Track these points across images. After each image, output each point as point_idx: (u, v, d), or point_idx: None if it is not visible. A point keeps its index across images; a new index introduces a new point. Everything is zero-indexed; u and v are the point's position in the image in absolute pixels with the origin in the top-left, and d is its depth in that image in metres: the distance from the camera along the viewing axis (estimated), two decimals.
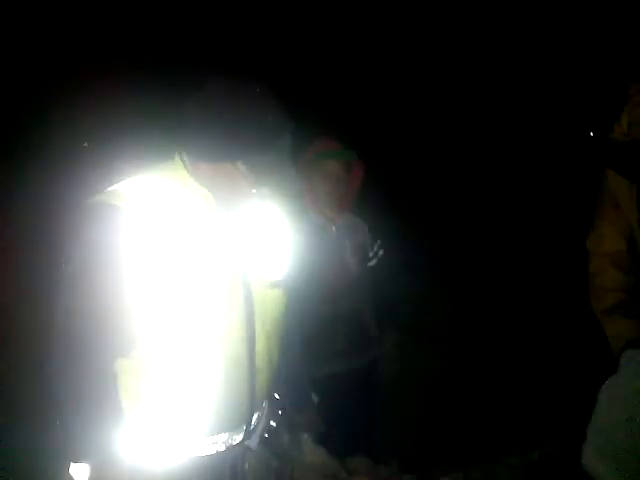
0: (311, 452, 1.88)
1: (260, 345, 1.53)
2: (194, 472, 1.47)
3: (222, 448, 1.50)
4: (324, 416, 1.92)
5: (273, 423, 1.71)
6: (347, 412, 2.32)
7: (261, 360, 1.53)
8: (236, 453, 1.55)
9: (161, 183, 1.48)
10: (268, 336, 1.55)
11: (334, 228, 2.43)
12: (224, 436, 1.50)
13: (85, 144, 4.36)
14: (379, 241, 2.52)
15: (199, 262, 1.46)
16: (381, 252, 2.49)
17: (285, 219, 1.69)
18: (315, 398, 1.86)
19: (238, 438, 1.53)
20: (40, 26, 4.63)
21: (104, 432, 1.38)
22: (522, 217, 4.43)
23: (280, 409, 1.73)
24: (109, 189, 1.46)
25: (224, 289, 1.48)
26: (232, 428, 1.51)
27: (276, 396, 1.73)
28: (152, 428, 1.46)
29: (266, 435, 1.68)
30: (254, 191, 1.48)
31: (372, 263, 2.47)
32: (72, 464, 1.39)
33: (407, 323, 2.86)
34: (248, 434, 1.55)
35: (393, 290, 2.54)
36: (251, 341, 1.51)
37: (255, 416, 1.56)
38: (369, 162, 2.44)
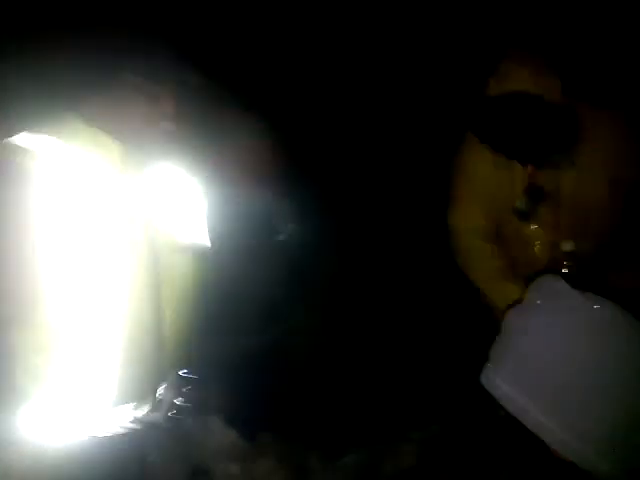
0: (219, 434, 1.81)
1: (168, 312, 1.46)
2: (100, 449, 1.37)
3: (128, 420, 1.41)
4: (233, 395, 1.88)
5: (178, 402, 1.65)
6: (257, 390, 2.27)
7: (169, 328, 1.46)
8: (143, 428, 1.46)
9: (60, 144, 1.37)
10: (176, 303, 1.49)
11: (248, 199, 2.35)
12: (130, 407, 1.41)
13: None
14: (294, 214, 2.50)
15: (101, 225, 1.37)
16: (295, 225, 2.47)
17: (198, 185, 1.65)
18: (224, 375, 1.81)
19: (145, 410, 1.44)
20: None
21: (3, 412, 1.26)
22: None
23: (187, 386, 1.66)
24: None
25: (128, 253, 1.40)
26: (138, 398, 1.42)
27: (183, 372, 1.66)
28: (54, 403, 1.34)
29: (170, 414, 1.62)
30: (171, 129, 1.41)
31: (284, 237, 2.45)
32: None
33: (318, 298, 2.86)
34: (155, 407, 1.46)
35: (306, 265, 2.54)
36: (158, 308, 1.44)
37: (162, 388, 1.48)
38: (284, 133, 2.43)
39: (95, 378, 1.37)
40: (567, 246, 1.96)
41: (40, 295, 1.30)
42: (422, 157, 3.41)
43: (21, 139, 1.32)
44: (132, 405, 1.43)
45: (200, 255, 1.62)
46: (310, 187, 2.65)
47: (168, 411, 1.60)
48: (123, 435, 1.41)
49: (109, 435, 1.39)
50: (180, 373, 1.64)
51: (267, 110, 2.43)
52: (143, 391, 1.44)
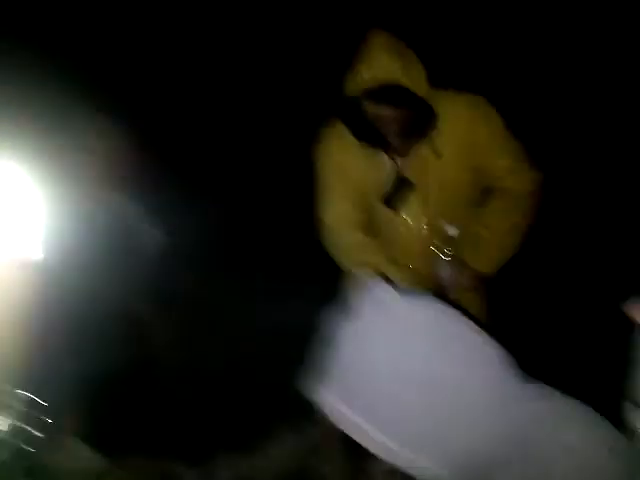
0: (73, 455, 1.69)
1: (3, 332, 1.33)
2: None
3: None
4: (94, 415, 1.76)
5: (27, 427, 1.51)
6: (115, 408, 2.15)
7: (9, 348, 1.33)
8: None
9: None
10: (13, 323, 1.35)
11: (101, 210, 2.24)
12: None
13: None
14: (156, 224, 2.38)
15: None
16: (158, 237, 2.36)
17: (41, 196, 1.50)
18: (80, 397, 1.69)
19: None
20: None
21: None
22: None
23: (36, 410, 1.53)
24: None
25: None
26: None
27: (30, 396, 1.52)
28: None
29: (19, 443, 1.48)
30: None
31: (147, 249, 2.33)
32: None
33: (187, 313, 2.76)
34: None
35: (171, 279, 2.42)
36: None
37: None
38: (138, 132, 2.29)
39: None
40: (451, 231, 1.98)
41: None
42: (286, 148, 3.35)
43: None
44: None
45: (43, 271, 1.48)
46: (172, 187, 2.53)
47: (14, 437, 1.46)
48: None
49: None
50: (28, 395, 1.51)
51: (119, 110, 2.27)
52: None
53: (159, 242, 2.34)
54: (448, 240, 2.04)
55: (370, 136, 1.89)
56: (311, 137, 2.03)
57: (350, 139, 1.91)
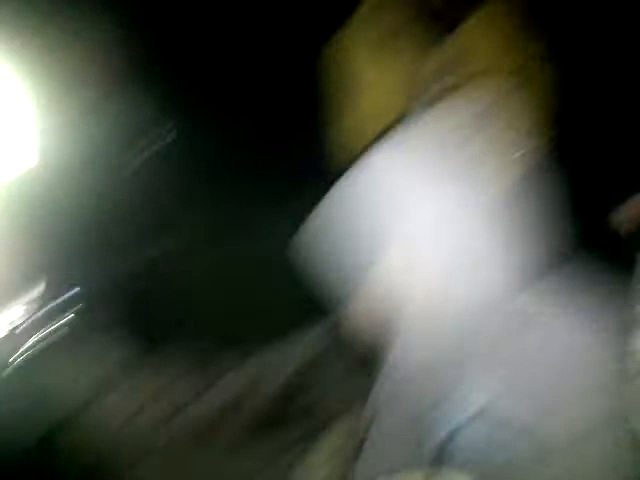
0: (119, 348, 1.72)
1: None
2: None
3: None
4: (130, 311, 1.78)
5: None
6: (154, 303, 2.16)
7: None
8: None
9: None
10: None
11: (106, 108, 2.09)
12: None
13: None
14: (166, 123, 2.25)
15: None
16: (169, 137, 2.26)
17: (35, 97, 1.44)
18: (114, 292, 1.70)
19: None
20: None
21: None
22: None
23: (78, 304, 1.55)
24: None
25: None
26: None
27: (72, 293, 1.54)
28: None
29: (62, 337, 1.50)
30: None
31: (156, 149, 2.21)
32: None
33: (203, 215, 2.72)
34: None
35: (185, 179, 2.36)
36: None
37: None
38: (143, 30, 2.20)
39: None
40: None
41: None
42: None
43: None
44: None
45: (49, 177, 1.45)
46: (179, 83, 2.44)
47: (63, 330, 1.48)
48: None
49: None
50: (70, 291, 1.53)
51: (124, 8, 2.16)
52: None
53: (167, 143, 2.29)
54: None
55: None
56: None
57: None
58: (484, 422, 0.82)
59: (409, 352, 0.93)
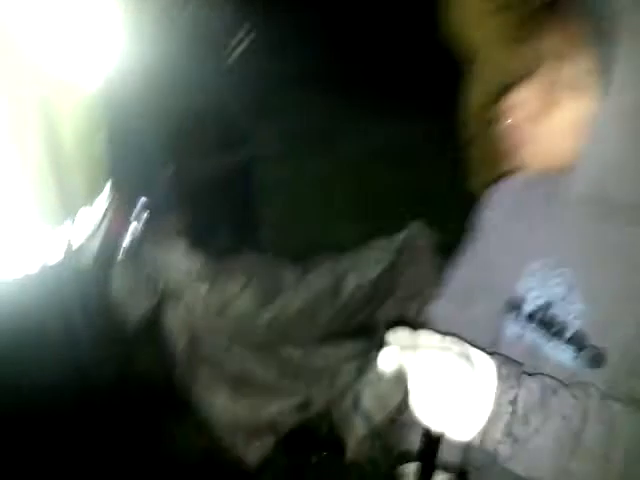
0: (186, 257, 1.80)
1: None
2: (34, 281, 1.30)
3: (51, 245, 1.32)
4: (196, 219, 1.83)
5: (134, 231, 1.59)
6: (220, 214, 2.23)
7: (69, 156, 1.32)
8: (76, 252, 1.36)
9: None
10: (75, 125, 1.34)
11: (186, 11, 2.05)
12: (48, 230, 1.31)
13: None
14: (246, 25, 2.16)
15: None
16: (249, 38, 2.16)
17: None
18: (186, 200, 1.75)
19: (65, 235, 1.35)
20: None
21: None
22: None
23: (146, 212, 1.60)
24: None
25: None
26: (56, 222, 1.31)
27: (140, 202, 1.59)
28: None
29: (128, 245, 1.58)
30: None
31: (237, 52, 2.14)
32: None
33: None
34: (70, 242, 1.34)
35: (268, 84, 2.35)
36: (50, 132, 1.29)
37: (83, 212, 1.37)
38: None
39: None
40: None
41: None
42: None
43: None
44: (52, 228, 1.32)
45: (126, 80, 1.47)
46: None
47: (131, 237, 1.56)
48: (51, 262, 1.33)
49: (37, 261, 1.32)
50: (141, 198, 1.58)
51: None
52: (57, 215, 1.32)
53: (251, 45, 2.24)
54: None
55: None
56: None
57: None
58: None
59: None
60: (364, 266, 1.97)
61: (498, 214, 0.92)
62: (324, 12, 4.27)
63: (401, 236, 2.01)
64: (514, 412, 0.65)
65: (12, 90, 1.18)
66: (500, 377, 0.67)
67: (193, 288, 1.77)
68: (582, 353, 0.75)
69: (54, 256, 1.32)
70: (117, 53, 1.37)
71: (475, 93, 1.81)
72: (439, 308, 1.01)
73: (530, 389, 0.67)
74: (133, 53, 1.43)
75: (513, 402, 0.66)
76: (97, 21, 1.30)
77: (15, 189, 1.23)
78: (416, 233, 2.00)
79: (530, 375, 0.70)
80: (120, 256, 1.61)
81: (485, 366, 0.67)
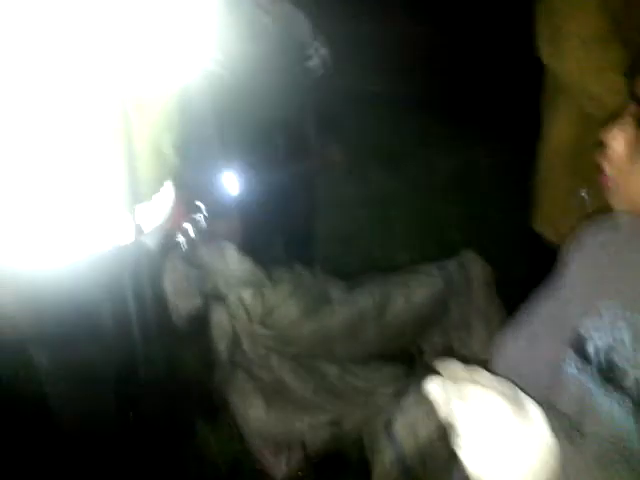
0: (235, 262, 1.82)
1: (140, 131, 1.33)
2: (87, 269, 1.33)
3: (110, 238, 1.36)
4: (248, 223, 1.85)
5: (189, 230, 1.63)
6: (278, 225, 2.27)
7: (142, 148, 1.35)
8: (132, 249, 1.39)
9: None
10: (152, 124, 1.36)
11: (269, 19, 2.08)
12: (107, 225, 1.36)
13: None
14: (322, 37, 2.22)
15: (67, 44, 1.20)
16: (324, 51, 2.21)
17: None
18: (240, 205, 1.78)
19: (125, 228, 1.37)
20: None
21: None
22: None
23: (197, 216, 1.64)
24: None
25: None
26: (127, 207, 1.36)
27: (197, 203, 1.63)
28: (32, 225, 1.29)
29: (182, 245, 1.61)
30: None
31: (312, 63, 2.19)
32: None
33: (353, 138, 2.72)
34: (138, 227, 1.39)
35: (338, 96, 2.36)
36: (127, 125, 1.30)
37: (143, 208, 1.40)
38: None
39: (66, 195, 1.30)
40: None
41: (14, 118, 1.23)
42: None
43: None
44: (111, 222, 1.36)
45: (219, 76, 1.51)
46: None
47: (182, 238, 1.60)
48: (109, 250, 1.38)
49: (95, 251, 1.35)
50: (196, 203, 1.61)
51: None
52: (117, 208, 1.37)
53: (326, 61, 2.23)
54: None
55: None
56: None
57: None
58: None
59: None
60: (412, 289, 1.94)
61: (581, 255, 0.89)
62: (406, 32, 4.22)
63: (452, 263, 1.97)
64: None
65: (101, 87, 1.23)
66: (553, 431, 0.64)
67: (238, 293, 1.79)
68: (638, 407, 0.70)
69: (126, 238, 1.37)
70: (202, 56, 1.42)
71: (559, 126, 1.73)
72: (507, 340, 0.99)
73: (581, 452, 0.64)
74: (216, 57, 1.47)
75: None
76: (185, 23, 1.35)
77: (94, 174, 1.29)
78: (469, 262, 1.96)
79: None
80: (173, 253, 1.66)
81: (537, 420, 0.65)
